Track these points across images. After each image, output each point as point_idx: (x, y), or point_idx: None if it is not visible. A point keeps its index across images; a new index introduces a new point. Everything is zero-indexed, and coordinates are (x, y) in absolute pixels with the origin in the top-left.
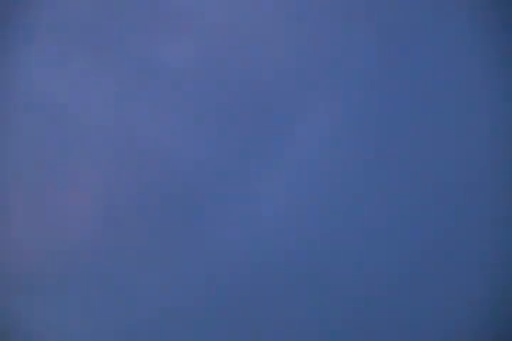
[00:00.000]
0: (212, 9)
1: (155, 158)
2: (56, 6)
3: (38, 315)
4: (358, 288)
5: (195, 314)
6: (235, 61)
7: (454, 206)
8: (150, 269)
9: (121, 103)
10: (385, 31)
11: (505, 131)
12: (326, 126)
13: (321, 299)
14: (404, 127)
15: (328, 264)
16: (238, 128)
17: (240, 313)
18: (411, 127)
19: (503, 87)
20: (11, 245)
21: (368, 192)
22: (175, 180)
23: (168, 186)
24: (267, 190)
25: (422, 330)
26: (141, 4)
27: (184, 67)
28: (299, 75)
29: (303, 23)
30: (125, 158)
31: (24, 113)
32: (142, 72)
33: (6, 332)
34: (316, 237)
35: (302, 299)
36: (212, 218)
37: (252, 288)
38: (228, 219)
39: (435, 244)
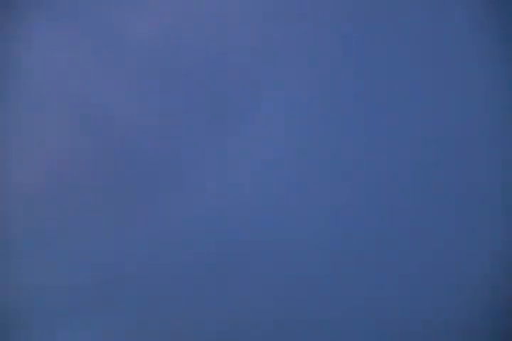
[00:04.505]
0: None
1: (110, 122)
2: None
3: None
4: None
5: (142, 274)
6: (194, 34)
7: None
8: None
9: (77, 69)
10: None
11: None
12: (289, 101)
13: (289, 267)
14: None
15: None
16: (194, 99)
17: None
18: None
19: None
20: None
21: (330, 165)
22: (129, 146)
23: (121, 152)
24: (224, 162)
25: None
26: None
27: (143, 39)
28: (256, 50)
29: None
30: (80, 122)
31: None
32: (99, 42)
33: None
34: (274, 215)
35: (270, 266)
36: (164, 184)
37: (208, 258)
38: (181, 186)
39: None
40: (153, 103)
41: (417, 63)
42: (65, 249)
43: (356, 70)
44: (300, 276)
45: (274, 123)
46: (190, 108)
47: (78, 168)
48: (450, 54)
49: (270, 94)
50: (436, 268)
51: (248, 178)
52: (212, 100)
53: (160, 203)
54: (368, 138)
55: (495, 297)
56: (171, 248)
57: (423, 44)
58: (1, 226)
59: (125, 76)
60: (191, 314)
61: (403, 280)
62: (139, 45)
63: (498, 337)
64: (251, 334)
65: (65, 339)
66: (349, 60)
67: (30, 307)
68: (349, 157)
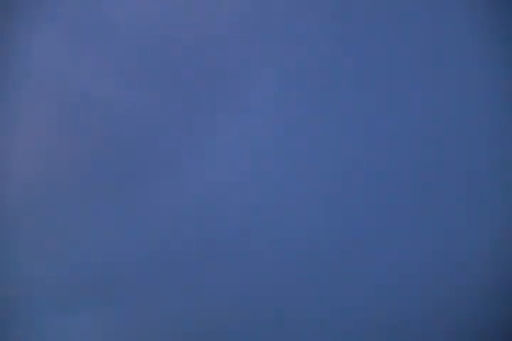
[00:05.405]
0: None
1: (101, 112)
2: None
3: None
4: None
5: (135, 267)
6: (185, 18)
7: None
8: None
9: (67, 57)
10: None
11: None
12: (275, 89)
13: (288, 266)
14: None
15: (278, 229)
16: (184, 86)
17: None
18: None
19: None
20: None
21: (320, 156)
22: (119, 134)
23: (112, 140)
24: (212, 150)
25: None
26: None
27: (132, 24)
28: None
29: None
30: (70, 109)
31: None
32: (88, 28)
33: None
34: (263, 204)
35: (254, 255)
36: (154, 174)
37: (193, 247)
38: (170, 176)
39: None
40: (142, 94)
41: (417, 63)
42: (61, 240)
43: (355, 70)
44: (299, 276)
45: (268, 114)
46: (180, 98)
47: (74, 160)
48: (450, 54)
49: (262, 84)
50: (436, 268)
51: (236, 169)
52: (202, 89)
53: (156, 195)
54: (367, 137)
55: (495, 297)
56: (167, 246)
57: (423, 44)
58: None
59: (124, 71)
60: (187, 311)
61: (403, 280)
62: (132, 37)
63: (499, 337)
64: (250, 334)
65: (65, 330)
66: (348, 59)
67: (30, 298)
68: (343, 153)
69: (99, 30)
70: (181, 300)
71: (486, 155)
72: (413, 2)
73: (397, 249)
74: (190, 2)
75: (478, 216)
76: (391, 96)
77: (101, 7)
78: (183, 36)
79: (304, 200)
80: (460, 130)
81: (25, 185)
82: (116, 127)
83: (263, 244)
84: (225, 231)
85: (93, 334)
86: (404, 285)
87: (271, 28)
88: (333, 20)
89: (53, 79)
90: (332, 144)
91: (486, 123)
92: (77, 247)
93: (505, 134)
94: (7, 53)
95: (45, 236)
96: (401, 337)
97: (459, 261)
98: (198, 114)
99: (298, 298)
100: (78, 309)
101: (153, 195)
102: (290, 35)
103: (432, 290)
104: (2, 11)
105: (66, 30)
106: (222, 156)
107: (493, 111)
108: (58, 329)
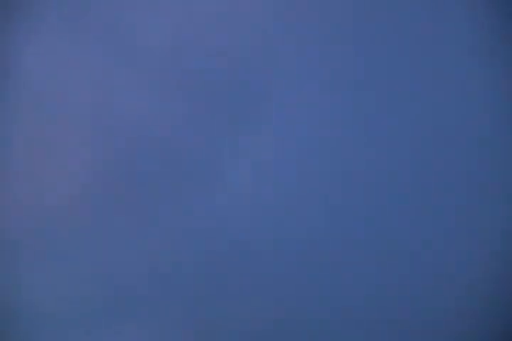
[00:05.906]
0: None
1: (137, 128)
2: None
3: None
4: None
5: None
6: (211, 34)
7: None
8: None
9: (102, 77)
10: None
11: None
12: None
13: (288, 267)
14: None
15: (308, 233)
16: (202, 102)
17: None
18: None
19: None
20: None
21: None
22: (155, 147)
23: (149, 153)
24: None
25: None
26: None
27: (161, 40)
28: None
29: None
30: (108, 127)
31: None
32: (120, 48)
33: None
34: (294, 205)
35: (270, 267)
36: (194, 185)
37: (226, 256)
38: (207, 187)
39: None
40: (156, 109)
41: (417, 63)
42: (71, 260)
43: (356, 71)
44: (300, 276)
45: (275, 124)
46: (199, 111)
47: (87, 176)
48: (450, 54)
49: (272, 96)
50: (436, 268)
51: (249, 178)
52: (219, 102)
53: (168, 209)
54: (368, 138)
55: (495, 297)
56: (175, 256)
57: (423, 44)
58: (9, 237)
59: (123, 71)
60: (187, 310)
61: (403, 280)
62: (161, 50)
63: (498, 337)
64: (250, 334)
65: None
66: (349, 60)
67: (37, 318)
68: (349, 157)
69: (98, 30)
70: (182, 299)
71: (486, 155)
72: (413, 2)
73: (397, 249)
74: (204, 16)
75: (478, 216)
76: (391, 96)
77: (100, 7)
78: (203, 48)
79: (303, 200)
80: (460, 130)
81: (39, 204)
82: (116, 127)
83: (264, 244)
84: (225, 231)
85: None
86: (404, 285)
87: (286, 43)
88: (333, 21)
89: (54, 78)
90: (332, 144)
91: (486, 123)
92: (89, 266)
93: (505, 134)
94: (7, 53)
95: (57, 251)
96: (401, 337)
97: (459, 261)
98: (201, 127)
99: (298, 298)
100: (90, 324)
101: (159, 209)
102: (290, 34)
103: (431, 290)
104: (1, 10)
105: (65, 31)
106: (233, 167)
107: (493, 111)
108: None
